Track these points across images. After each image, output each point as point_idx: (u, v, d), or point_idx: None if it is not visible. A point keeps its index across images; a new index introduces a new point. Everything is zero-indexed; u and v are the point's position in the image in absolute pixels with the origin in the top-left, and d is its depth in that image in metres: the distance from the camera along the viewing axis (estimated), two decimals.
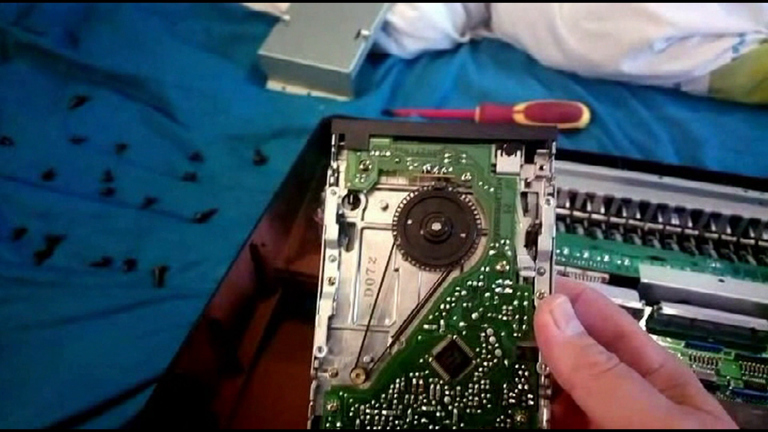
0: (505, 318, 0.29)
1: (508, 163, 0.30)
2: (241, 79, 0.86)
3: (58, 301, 0.59)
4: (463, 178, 0.31)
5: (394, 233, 0.31)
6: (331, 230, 0.30)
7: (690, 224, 0.57)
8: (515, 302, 0.29)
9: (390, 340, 0.30)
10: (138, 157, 0.75)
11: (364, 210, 0.32)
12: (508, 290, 0.29)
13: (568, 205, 0.58)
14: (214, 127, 0.79)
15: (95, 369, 0.54)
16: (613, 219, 0.58)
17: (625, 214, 0.58)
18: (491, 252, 0.30)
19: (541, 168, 0.30)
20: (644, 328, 0.47)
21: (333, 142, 0.32)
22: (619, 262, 0.52)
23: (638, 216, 0.58)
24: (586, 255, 0.52)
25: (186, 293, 0.59)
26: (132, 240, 0.65)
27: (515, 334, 0.29)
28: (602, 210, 0.58)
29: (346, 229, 0.31)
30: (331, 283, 0.30)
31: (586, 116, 0.78)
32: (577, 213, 0.58)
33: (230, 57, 0.89)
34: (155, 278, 0.61)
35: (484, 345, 0.29)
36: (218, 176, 0.73)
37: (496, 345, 0.29)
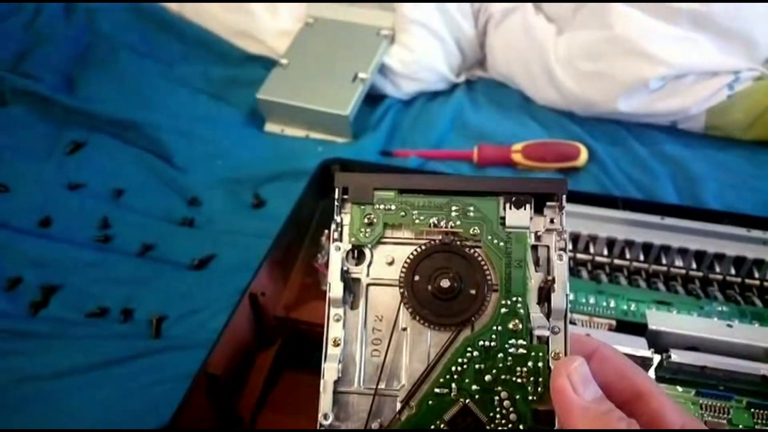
0: (519, 380, 0.28)
1: (518, 217, 0.30)
2: (238, 123, 0.86)
3: (54, 354, 0.58)
4: (471, 232, 0.30)
5: (401, 290, 0.30)
6: (335, 288, 0.30)
7: (694, 266, 0.57)
8: (529, 363, 0.28)
9: (399, 405, 0.29)
10: (135, 202, 0.75)
11: (369, 265, 0.31)
12: (522, 350, 0.28)
13: (571, 247, 0.57)
14: (212, 170, 0.78)
15: (95, 423, 0.53)
16: (617, 261, 0.57)
17: (628, 256, 0.57)
18: (503, 310, 0.29)
19: (552, 221, 0.30)
20: (654, 377, 0.46)
21: (336, 196, 0.31)
22: (625, 307, 0.51)
23: (642, 258, 0.57)
24: (592, 300, 0.51)
25: (184, 344, 0.58)
26: (129, 289, 0.64)
27: (530, 397, 0.28)
28: (605, 252, 0.58)
29: (350, 285, 0.31)
30: (336, 345, 0.29)
31: (584, 155, 0.78)
32: (580, 255, 0.57)
33: (228, 101, 0.89)
34: (152, 329, 0.60)
35: (498, 409, 0.28)
36: (216, 221, 0.73)
37: (511, 409, 0.28)
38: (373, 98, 0.88)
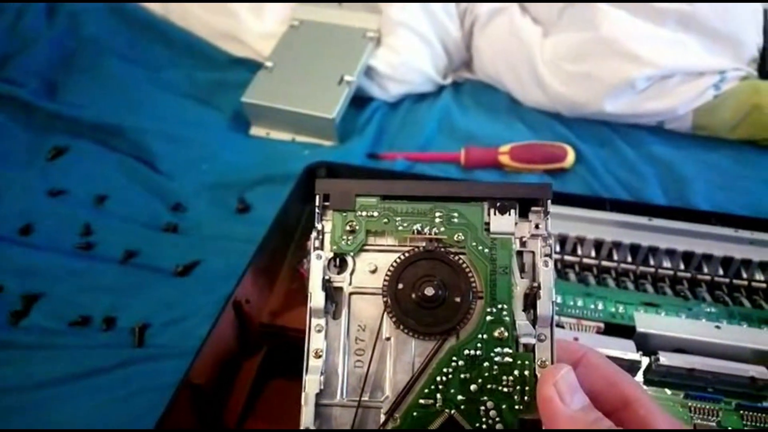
0: (505, 389, 0.27)
1: (502, 223, 0.29)
2: (223, 127, 0.85)
3: (36, 364, 0.57)
4: (455, 238, 0.29)
5: (385, 299, 0.29)
6: (317, 298, 0.29)
7: (682, 266, 0.57)
8: (516, 372, 0.28)
9: (383, 417, 0.28)
10: (118, 208, 0.73)
11: (351, 273, 0.30)
12: (508, 359, 0.28)
13: (558, 249, 0.57)
14: (196, 175, 0.77)
15: None
16: (605, 263, 0.57)
17: (616, 258, 0.57)
18: (488, 318, 0.28)
19: (537, 227, 0.29)
20: (642, 380, 0.46)
21: (317, 203, 0.30)
22: (613, 309, 0.51)
23: (629, 259, 0.57)
24: (579, 303, 0.51)
25: (167, 353, 0.57)
26: (112, 297, 0.63)
27: (517, 407, 0.27)
28: (593, 253, 0.57)
29: (332, 294, 0.30)
30: (318, 356, 0.28)
31: (571, 157, 0.78)
32: (567, 257, 0.57)
33: (213, 104, 0.88)
34: (135, 337, 0.59)
35: (484, 419, 0.27)
36: (201, 226, 0.72)
37: (497, 419, 0.27)
38: (360, 101, 0.87)
